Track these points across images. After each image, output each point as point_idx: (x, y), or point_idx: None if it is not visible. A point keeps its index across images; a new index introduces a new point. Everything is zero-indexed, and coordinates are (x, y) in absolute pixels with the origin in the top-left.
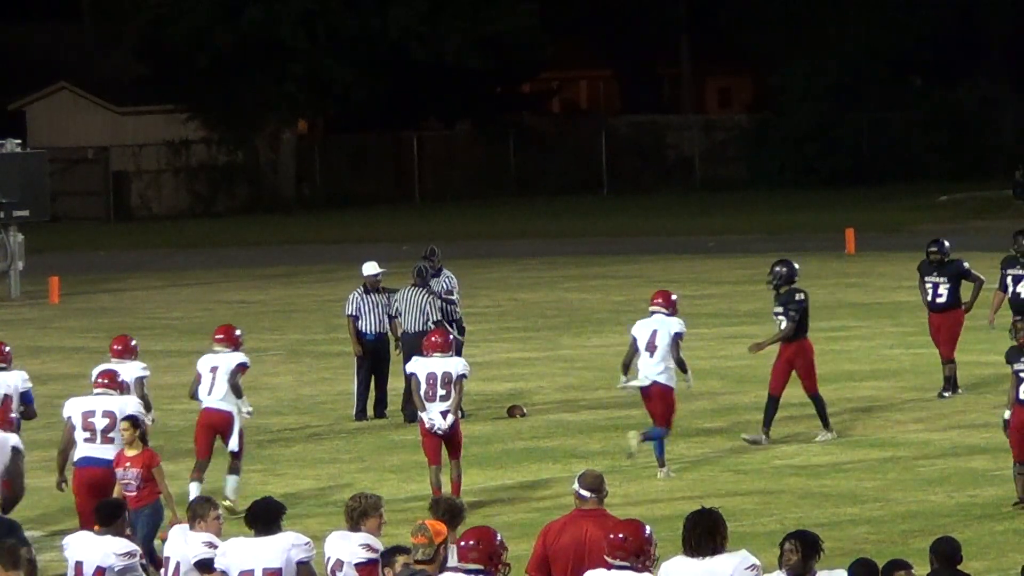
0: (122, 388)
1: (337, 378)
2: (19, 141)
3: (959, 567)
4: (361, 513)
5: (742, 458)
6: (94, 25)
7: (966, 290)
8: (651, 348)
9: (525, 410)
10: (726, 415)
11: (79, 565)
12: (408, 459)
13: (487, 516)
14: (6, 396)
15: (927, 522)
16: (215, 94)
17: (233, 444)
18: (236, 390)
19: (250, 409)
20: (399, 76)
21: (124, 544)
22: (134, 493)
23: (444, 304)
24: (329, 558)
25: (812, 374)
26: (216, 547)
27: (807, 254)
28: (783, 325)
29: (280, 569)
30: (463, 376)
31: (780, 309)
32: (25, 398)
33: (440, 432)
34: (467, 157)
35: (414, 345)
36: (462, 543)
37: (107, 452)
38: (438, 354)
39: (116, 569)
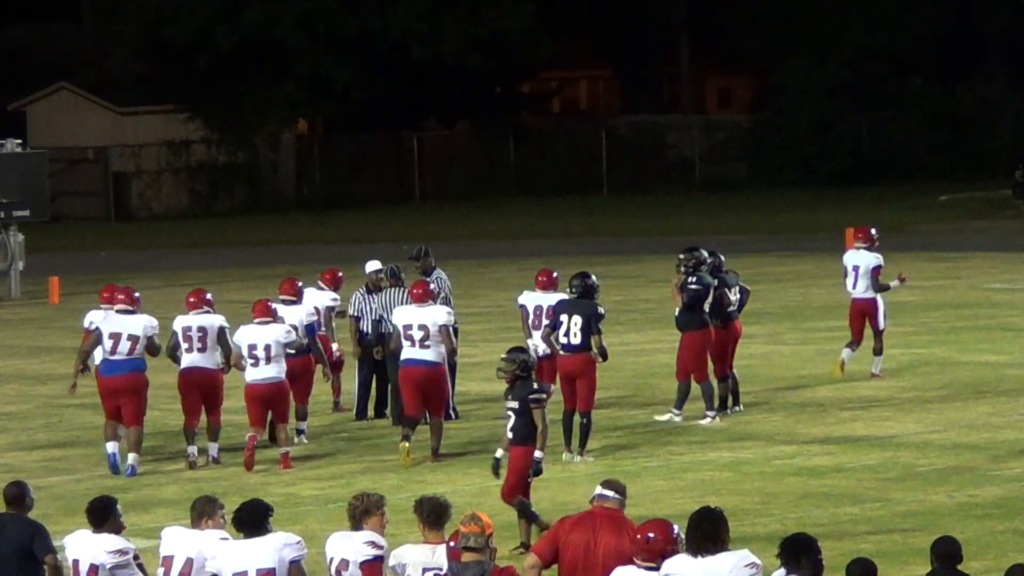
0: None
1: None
2: (19, 141)
3: (959, 567)
4: (363, 511)
5: (742, 458)
6: (94, 25)
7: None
8: None
9: None
10: (725, 414)
11: (76, 563)
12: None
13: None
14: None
15: (927, 522)
16: (215, 94)
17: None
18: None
19: None
20: (399, 76)
21: (115, 541)
22: None
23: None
24: (332, 559)
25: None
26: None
27: (807, 254)
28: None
29: (273, 569)
30: None
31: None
32: (308, 330)
33: (541, 355)
34: (467, 157)
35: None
36: (639, 536)
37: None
38: (542, 291)
39: (108, 567)
